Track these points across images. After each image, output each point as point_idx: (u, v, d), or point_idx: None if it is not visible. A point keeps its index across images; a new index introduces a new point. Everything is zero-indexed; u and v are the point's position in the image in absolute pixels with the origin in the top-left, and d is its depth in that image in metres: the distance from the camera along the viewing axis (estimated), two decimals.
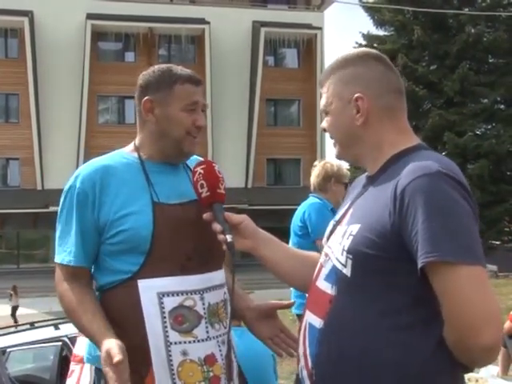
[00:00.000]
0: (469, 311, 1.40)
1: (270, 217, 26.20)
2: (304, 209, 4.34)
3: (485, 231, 23.43)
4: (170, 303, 1.88)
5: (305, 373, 1.67)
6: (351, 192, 1.85)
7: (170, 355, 1.86)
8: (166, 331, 1.87)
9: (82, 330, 1.95)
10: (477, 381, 3.67)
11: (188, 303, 1.89)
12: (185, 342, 1.88)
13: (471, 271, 1.42)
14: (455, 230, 1.43)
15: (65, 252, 1.96)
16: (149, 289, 1.87)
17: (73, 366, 3.00)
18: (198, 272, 1.93)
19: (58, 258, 1.97)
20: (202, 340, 1.90)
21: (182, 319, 1.88)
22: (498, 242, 25.65)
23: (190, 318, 1.89)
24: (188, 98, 1.99)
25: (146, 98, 2.00)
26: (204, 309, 1.91)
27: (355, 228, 1.58)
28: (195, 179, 1.93)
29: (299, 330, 1.76)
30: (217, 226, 1.86)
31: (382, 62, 1.72)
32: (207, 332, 1.91)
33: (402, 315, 1.50)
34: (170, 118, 1.98)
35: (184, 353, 1.87)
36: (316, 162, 4.52)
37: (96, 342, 1.84)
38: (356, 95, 1.67)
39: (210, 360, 1.90)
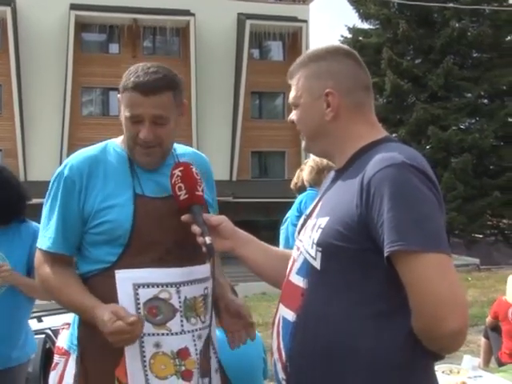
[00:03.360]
0: (434, 299, 1.42)
1: (255, 209, 26.21)
2: (301, 198, 4.45)
3: (467, 225, 23.65)
4: (145, 295, 1.88)
5: (279, 366, 1.68)
6: (322, 186, 1.88)
7: (143, 346, 1.87)
8: None
9: (72, 305, 1.95)
10: (458, 372, 3.70)
11: (163, 295, 1.90)
12: (158, 334, 1.88)
13: (436, 259, 1.44)
14: (420, 219, 1.45)
15: (45, 238, 1.98)
16: (125, 279, 1.89)
17: (57, 359, 2.98)
18: (176, 265, 1.93)
19: (39, 243, 2.01)
20: (176, 333, 1.90)
21: (156, 311, 1.89)
22: (480, 236, 25.88)
23: (165, 310, 1.89)
24: (129, 109, 1.92)
25: (118, 95, 2.00)
26: (180, 302, 1.91)
27: (324, 221, 1.59)
28: (173, 182, 1.92)
29: (272, 323, 1.77)
30: (196, 229, 1.86)
31: (352, 58, 1.74)
32: (182, 326, 1.91)
33: (373, 305, 1.53)
34: (122, 121, 1.97)
35: (157, 345, 1.88)
36: (305, 161, 4.66)
37: (89, 313, 1.85)
38: (326, 90, 1.68)
39: (183, 354, 1.90)
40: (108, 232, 1.91)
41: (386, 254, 1.46)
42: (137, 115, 1.91)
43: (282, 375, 1.67)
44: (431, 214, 1.48)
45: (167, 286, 1.90)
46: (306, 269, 1.63)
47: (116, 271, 1.89)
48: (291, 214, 4.63)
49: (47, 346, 4.82)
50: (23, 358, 3.24)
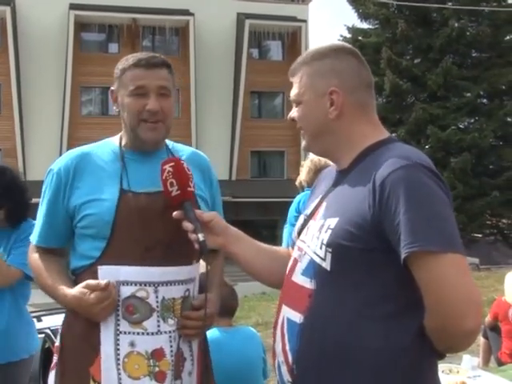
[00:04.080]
0: (453, 298, 1.43)
1: (254, 209, 26.19)
2: (300, 198, 4.44)
3: (467, 224, 23.61)
4: (124, 292, 1.89)
5: (284, 368, 1.67)
6: (319, 186, 1.87)
7: (118, 344, 1.87)
8: (118, 320, 1.88)
9: (48, 289, 2.00)
10: (458, 371, 3.71)
11: (140, 294, 1.89)
12: (134, 333, 1.88)
13: (453, 259, 1.46)
14: (436, 219, 1.47)
15: (35, 232, 2.08)
16: (107, 276, 1.89)
17: (56, 358, 2.99)
18: (157, 264, 1.91)
19: (31, 237, 2.11)
20: (152, 333, 1.89)
21: (132, 309, 1.88)
22: (479, 235, 25.85)
23: (141, 309, 1.89)
24: (133, 82, 1.96)
25: (111, 88, 2.05)
26: (157, 302, 1.90)
27: (333, 221, 1.58)
28: (164, 177, 1.89)
29: (275, 325, 1.76)
30: (188, 225, 1.83)
31: (355, 57, 1.74)
32: (158, 326, 1.90)
33: (383, 305, 1.53)
34: (123, 105, 1.99)
35: (132, 344, 1.87)
36: (302, 162, 4.67)
37: (61, 295, 1.93)
38: (331, 88, 1.68)
39: (157, 354, 1.89)
40: (89, 226, 1.94)
41: (403, 255, 1.46)
42: (142, 86, 1.95)
43: (287, 377, 1.66)
44: (446, 214, 1.49)
45: (145, 285, 1.89)
46: (314, 270, 1.62)
47: (99, 267, 1.90)
48: (290, 214, 4.64)
49: (46, 346, 4.81)
50: (26, 352, 3.23)
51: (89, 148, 2.07)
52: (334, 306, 1.56)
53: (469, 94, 25.81)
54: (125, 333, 1.87)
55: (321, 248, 1.59)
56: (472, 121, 26.42)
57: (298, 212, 4.38)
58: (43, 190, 2.06)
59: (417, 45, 25.65)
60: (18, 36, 25.83)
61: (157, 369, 1.88)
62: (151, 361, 1.88)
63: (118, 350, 1.87)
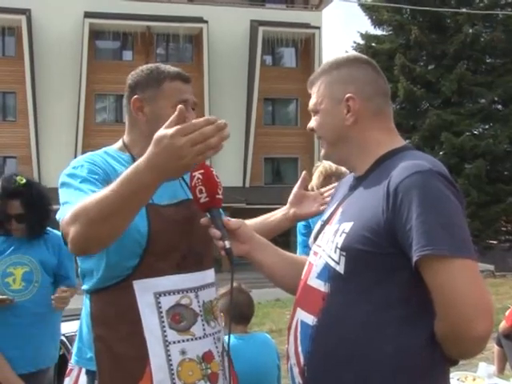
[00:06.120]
0: (464, 303, 1.44)
1: None
2: None
3: (482, 231, 23.48)
4: (167, 302, 1.88)
5: (296, 370, 1.68)
6: (336, 193, 1.90)
7: (169, 355, 1.86)
8: (164, 331, 1.86)
9: (111, 197, 1.61)
10: (474, 379, 3.68)
11: (184, 301, 1.90)
12: (183, 341, 1.88)
13: (465, 264, 1.46)
14: (448, 224, 1.48)
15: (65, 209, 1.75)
16: (145, 289, 1.87)
17: (71, 365, 2.99)
18: (192, 270, 1.93)
19: (60, 214, 1.75)
20: (200, 338, 1.90)
21: (179, 318, 1.88)
22: (494, 242, 25.69)
23: (187, 316, 1.89)
24: (177, 95, 1.97)
25: (134, 96, 1.99)
26: (199, 306, 1.92)
27: (348, 226, 1.60)
28: (193, 184, 1.86)
29: (289, 328, 1.77)
30: (216, 232, 1.82)
31: (371, 66, 1.78)
32: (204, 329, 1.92)
33: (396, 309, 1.54)
34: (160, 116, 1.92)
35: (183, 352, 1.87)
36: (316, 165, 4.64)
37: (132, 175, 1.60)
38: (347, 95, 1.70)
39: (207, 357, 1.91)
40: (126, 236, 1.81)
41: (415, 259, 1.47)
42: (185, 99, 1.97)
43: (298, 379, 1.67)
44: (459, 220, 1.51)
45: (187, 292, 1.91)
46: (328, 273, 1.63)
47: (134, 282, 1.87)
48: (299, 223, 4.59)
49: (61, 353, 4.83)
50: (51, 361, 3.25)
51: (99, 156, 2.00)
52: (347, 308, 1.58)
53: (483, 100, 25.72)
54: (174, 342, 1.86)
55: (335, 252, 1.61)
56: (486, 127, 26.32)
57: (307, 221, 4.37)
58: (76, 178, 1.86)
59: (430, 51, 25.61)
60: (34, 44, 26.10)
61: (209, 371, 1.90)
62: (203, 364, 1.89)
63: (170, 360, 1.86)
